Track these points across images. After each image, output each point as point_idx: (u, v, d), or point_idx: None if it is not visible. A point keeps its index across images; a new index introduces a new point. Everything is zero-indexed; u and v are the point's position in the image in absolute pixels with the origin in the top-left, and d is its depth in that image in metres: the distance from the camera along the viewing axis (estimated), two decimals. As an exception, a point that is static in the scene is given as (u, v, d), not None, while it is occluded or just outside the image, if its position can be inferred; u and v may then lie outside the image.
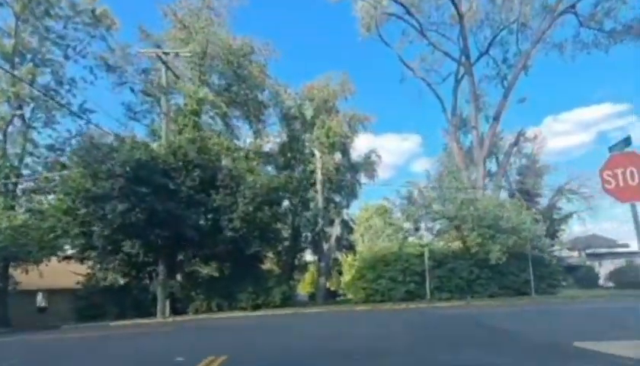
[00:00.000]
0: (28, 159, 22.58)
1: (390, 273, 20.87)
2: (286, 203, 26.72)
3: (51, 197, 22.03)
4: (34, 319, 22.46)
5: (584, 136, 74.83)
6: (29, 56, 21.79)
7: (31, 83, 20.25)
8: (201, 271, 22.95)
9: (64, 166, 20.73)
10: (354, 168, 32.12)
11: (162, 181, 16.89)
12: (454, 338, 9.08)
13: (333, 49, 73.28)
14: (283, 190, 21.21)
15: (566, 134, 73.33)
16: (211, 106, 23.41)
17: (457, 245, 22.38)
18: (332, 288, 34.10)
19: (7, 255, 19.22)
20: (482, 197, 23.87)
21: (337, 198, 32.75)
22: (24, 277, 21.10)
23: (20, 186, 22.50)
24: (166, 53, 19.26)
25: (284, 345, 9.05)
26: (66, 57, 22.59)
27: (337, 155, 31.14)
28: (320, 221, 25.18)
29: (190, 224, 17.44)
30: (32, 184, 22.69)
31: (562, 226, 36.39)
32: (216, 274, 22.22)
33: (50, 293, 25.30)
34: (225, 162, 19.02)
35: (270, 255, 25.67)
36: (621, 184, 7.07)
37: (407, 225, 24.64)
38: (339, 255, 32.89)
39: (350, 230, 33.17)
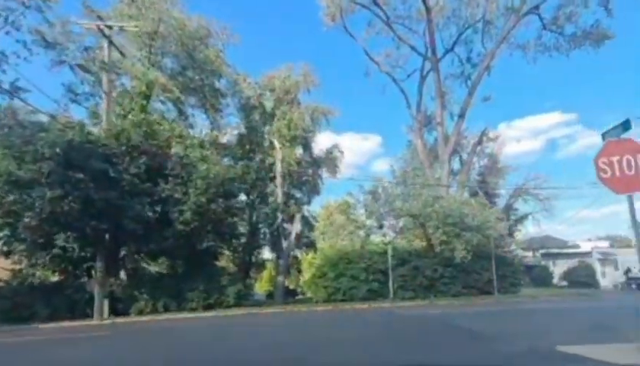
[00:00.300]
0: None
1: (352, 271, 19.89)
2: (243, 197, 25.20)
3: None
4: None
5: (534, 143, 77.55)
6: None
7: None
8: (147, 267, 21.05)
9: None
10: (316, 163, 30.95)
11: (101, 167, 14.97)
12: (426, 344, 8.09)
13: (295, 39, 71.67)
14: (240, 181, 19.70)
15: (518, 140, 76.00)
16: (162, 90, 21.49)
17: (421, 243, 21.72)
18: (291, 287, 32.94)
19: None
20: (447, 194, 23.36)
21: (298, 194, 31.57)
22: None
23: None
24: (109, 27, 17.29)
25: (227, 355, 7.69)
26: (-5, 27, 20.00)
27: (299, 150, 29.95)
28: (279, 216, 23.80)
29: (133, 216, 15.61)
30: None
31: (518, 227, 37.26)
32: (164, 272, 20.40)
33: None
34: (175, 149, 17.27)
35: (226, 251, 24.00)
36: (617, 173, 6.34)
37: (370, 222, 23.75)
38: (299, 253, 31.69)
39: (311, 227, 32.07)
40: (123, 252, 18.47)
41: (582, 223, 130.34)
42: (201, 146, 19.39)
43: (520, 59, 30.75)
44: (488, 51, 28.49)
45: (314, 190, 31.59)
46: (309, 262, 26.18)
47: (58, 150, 13.80)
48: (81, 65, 16.57)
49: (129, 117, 17.39)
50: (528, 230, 38.40)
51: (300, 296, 30.34)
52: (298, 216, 25.79)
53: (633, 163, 6.25)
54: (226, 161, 25.19)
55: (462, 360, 6.39)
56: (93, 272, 17.66)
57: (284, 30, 73.12)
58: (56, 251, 16.67)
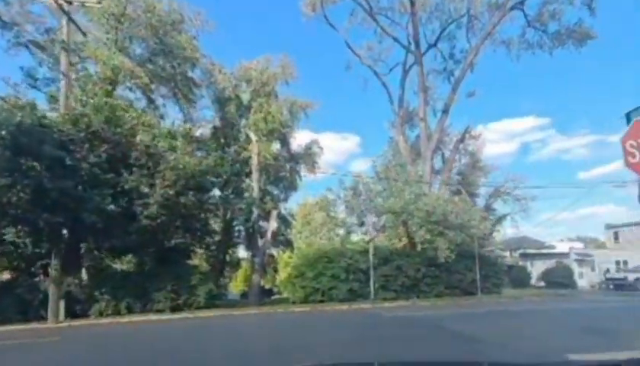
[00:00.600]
0: None
1: (332, 270, 18.81)
2: (217, 192, 23.87)
3: None
4: None
5: (510, 146, 78.38)
6: None
7: None
8: (112, 265, 19.54)
9: None
10: (294, 159, 29.78)
11: (56, 154, 13.44)
12: (420, 353, 7.12)
13: (273, 31, 69.64)
14: (213, 174, 18.38)
15: (493, 143, 76.87)
16: (130, 76, 19.93)
17: (404, 241, 20.85)
18: (267, 286, 31.74)
19: None
20: (430, 192, 22.59)
21: (275, 191, 30.38)
22: None
23: None
24: (69, 2, 15.73)
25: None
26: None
27: (276, 145, 28.74)
28: (255, 212, 22.53)
29: (92, 208, 14.14)
30: None
31: (497, 227, 37.04)
32: (128, 270, 18.91)
33: None
34: (141, 137, 15.82)
35: (199, 249, 22.57)
36: (648, 157, 5.46)
37: (351, 219, 22.75)
38: (275, 252, 30.51)
39: (288, 225, 30.95)
40: (82, 249, 16.92)
41: (557, 226, 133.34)
42: (171, 136, 17.96)
43: (504, 57, 30.31)
44: (473, 46, 27.98)
45: (291, 186, 30.46)
46: (286, 261, 25.07)
47: (4, 133, 12.26)
48: (36, 42, 15.06)
49: (90, 101, 15.84)
50: (506, 231, 38.31)
51: (277, 296, 29.19)
52: (274, 213, 24.56)
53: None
54: (199, 154, 23.82)
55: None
56: (50, 270, 16.11)
57: (262, 21, 70.55)
58: (6, 247, 15.12)
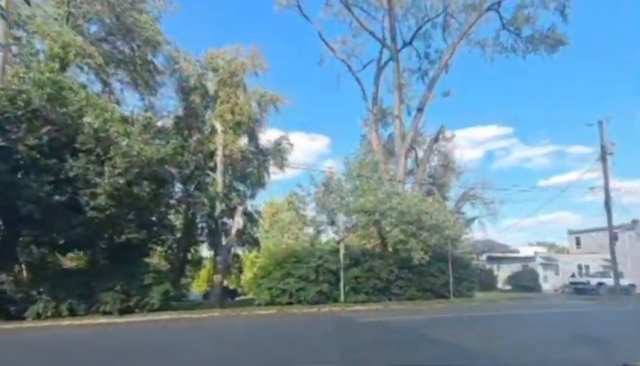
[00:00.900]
0: None
1: (300, 271, 17.60)
2: (179, 186, 22.21)
3: None
4: None
5: (476, 152, 79.57)
6: None
7: None
8: (54, 262, 17.63)
9: None
10: (262, 154, 28.38)
11: (-14, 133, 11.70)
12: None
13: (243, 21, 67.15)
14: (172, 163, 16.77)
15: (461, 149, 78.11)
16: (82, 55, 18.05)
17: (376, 241, 19.88)
18: (231, 287, 30.23)
19: None
20: (403, 191, 21.74)
21: (241, 187, 28.94)
22: None
23: None
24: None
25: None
26: None
27: (244, 139, 27.29)
28: (218, 207, 21.02)
29: (28, 196, 12.40)
30: None
31: (465, 230, 36.95)
32: (72, 267, 17.08)
33: None
34: (88, 118, 14.10)
35: (157, 247, 20.81)
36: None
37: (321, 218, 21.59)
38: (240, 251, 28.99)
39: (255, 223, 29.53)
40: (17, 243, 15.01)
41: (520, 231, 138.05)
42: (125, 121, 16.24)
43: (478, 59, 30.09)
44: (449, 45, 27.49)
45: (259, 183, 29.11)
46: (252, 261, 23.72)
47: None
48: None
49: (31, 76, 13.98)
50: (473, 234, 38.35)
51: (242, 297, 27.72)
52: (240, 210, 23.08)
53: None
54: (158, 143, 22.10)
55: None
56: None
57: (231, 7, 67.42)
58: None
